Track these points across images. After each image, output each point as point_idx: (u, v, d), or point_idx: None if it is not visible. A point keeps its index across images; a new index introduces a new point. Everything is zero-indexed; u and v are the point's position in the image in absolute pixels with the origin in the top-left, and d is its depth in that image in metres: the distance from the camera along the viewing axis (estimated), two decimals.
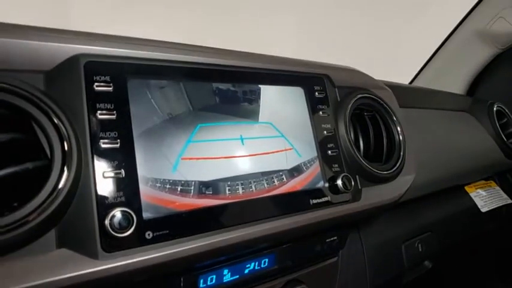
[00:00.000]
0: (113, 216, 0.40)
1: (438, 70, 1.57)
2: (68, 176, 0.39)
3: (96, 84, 0.44)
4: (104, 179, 0.42)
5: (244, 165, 0.54)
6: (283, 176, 0.58)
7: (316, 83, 0.68)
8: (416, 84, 1.62)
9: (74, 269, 0.38)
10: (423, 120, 1.11)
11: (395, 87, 0.89)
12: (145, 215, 0.43)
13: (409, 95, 1.13)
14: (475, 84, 1.61)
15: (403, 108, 0.87)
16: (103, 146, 0.43)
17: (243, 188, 0.53)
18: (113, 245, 0.41)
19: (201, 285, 0.55)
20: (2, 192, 0.38)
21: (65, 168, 0.39)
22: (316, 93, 0.67)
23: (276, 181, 0.57)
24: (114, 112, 0.45)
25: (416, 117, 1.07)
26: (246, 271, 0.60)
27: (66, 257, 0.39)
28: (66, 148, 0.40)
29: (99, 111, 0.44)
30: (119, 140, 0.44)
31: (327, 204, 0.61)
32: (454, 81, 1.57)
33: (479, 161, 1.25)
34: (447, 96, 1.40)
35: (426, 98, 1.22)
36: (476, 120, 1.37)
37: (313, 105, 0.66)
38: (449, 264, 1.37)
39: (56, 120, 0.40)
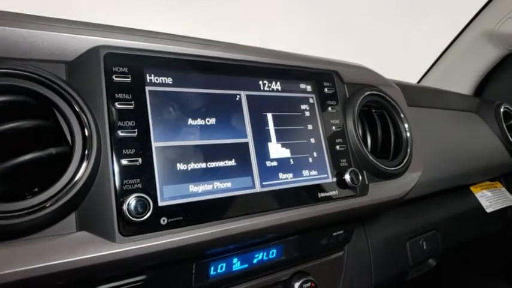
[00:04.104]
0: (131, 201, 0.42)
1: (446, 70, 1.57)
2: (88, 161, 0.41)
3: (115, 75, 0.46)
4: (121, 166, 0.44)
5: None
6: None
7: (325, 79, 0.69)
8: (424, 83, 1.62)
9: (93, 251, 0.40)
10: (430, 119, 1.11)
11: (403, 86, 0.90)
12: (161, 201, 0.45)
13: (417, 94, 1.13)
14: (483, 85, 1.62)
15: (410, 107, 0.88)
16: (121, 134, 0.45)
17: None
18: (129, 229, 0.42)
19: (212, 273, 0.56)
20: (26, 176, 0.40)
21: (85, 154, 0.41)
22: (326, 89, 0.69)
23: None
24: (132, 102, 0.46)
25: (423, 117, 1.07)
26: (255, 261, 0.61)
27: (85, 239, 0.41)
28: (86, 134, 0.41)
29: (117, 101, 0.45)
30: (136, 129, 0.46)
31: (335, 197, 0.63)
32: (462, 81, 1.57)
33: (485, 162, 1.26)
34: (454, 96, 1.40)
35: (434, 97, 1.23)
36: (483, 121, 1.37)
37: (322, 101, 0.67)
38: (453, 264, 1.37)
39: (77, 108, 0.42)
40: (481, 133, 1.32)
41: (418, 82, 1.66)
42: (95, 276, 0.44)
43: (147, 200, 0.43)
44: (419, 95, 1.15)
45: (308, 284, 0.69)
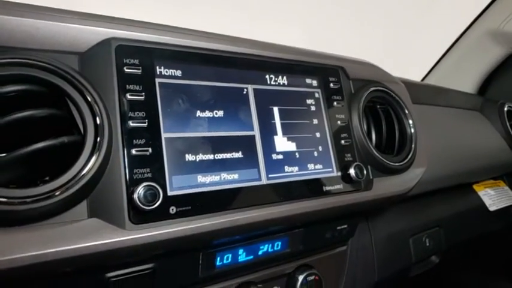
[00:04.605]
0: (141, 190, 0.43)
1: (450, 68, 1.57)
2: (100, 150, 0.42)
3: (126, 66, 0.47)
4: (132, 156, 0.44)
5: None
6: None
7: (331, 75, 0.70)
8: (427, 81, 1.63)
9: (103, 237, 0.41)
10: (434, 117, 1.12)
11: (407, 84, 0.90)
12: (170, 191, 0.46)
13: (421, 92, 1.14)
14: (486, 84, 1.62)
15: (414, 104, 0.88)
16: (132, 124, 0.45)
17: None
18: (139, 217, 0.43)
19: (218, 263, 0.57)
20: (39, 164, 0.41)
21: (97, 142, 0.42)
22: (331, 84, 0.69)
23: None
24: (143, 94, 0.47)
25: (427, 114, 1.08)
26: (260, 252, 0.62)
27: (96, 226, 0.41)
28: (98, 123, 0.42)
29: (128, 92, 0.46)
30: (146, 120, 0.47)
31: (339, 191, 0.63)
32: (466, 80, 1.57)
33: (489, 160, 1.26)
34: (458, 94, 1.40)
35: (438, 95, 1.23)
36: (487, 120, 1.38)
37: (328, 96, 0.68)
38: (456, 261, 1.38)
39: (89, 98, 0.43)
40: (485, 132, 1.32)
41: (422, 80, 1.66)
42: (104, 262, 0.45)
43: (157, 189, 0.44)
44: (423, 92, 1.15)
45: (312, 277, 0.69)
